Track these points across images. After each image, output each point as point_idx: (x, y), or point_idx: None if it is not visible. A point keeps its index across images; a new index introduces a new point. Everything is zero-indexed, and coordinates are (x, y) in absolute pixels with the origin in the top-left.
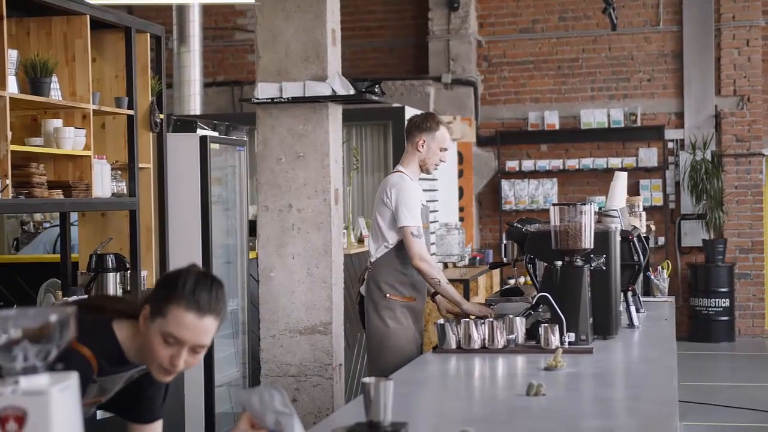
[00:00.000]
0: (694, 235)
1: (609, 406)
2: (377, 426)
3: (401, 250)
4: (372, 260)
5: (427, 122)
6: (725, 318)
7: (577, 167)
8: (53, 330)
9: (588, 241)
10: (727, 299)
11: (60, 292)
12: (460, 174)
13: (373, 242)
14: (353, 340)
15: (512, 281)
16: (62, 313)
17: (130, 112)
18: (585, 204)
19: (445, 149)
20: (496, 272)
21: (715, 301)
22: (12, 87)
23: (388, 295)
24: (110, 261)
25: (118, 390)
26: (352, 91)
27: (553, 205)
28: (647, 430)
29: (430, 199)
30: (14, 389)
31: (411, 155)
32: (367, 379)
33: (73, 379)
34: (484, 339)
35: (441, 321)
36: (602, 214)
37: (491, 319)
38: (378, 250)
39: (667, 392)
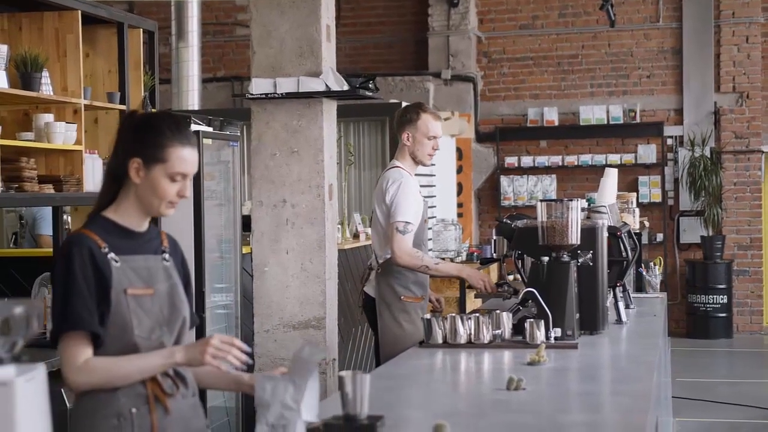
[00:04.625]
0: (692, 231)
1: (586, 400)
2: (353, 419)
3: None
4: (380, 261)
5: (406, 114)
6: (723, 314)
7: (576, 164)
8: (18, 322)
9: (575, 237)
10: (725, 296)
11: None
12: (459, 170)
13: (378, 242)
14: (347, 336)
15: (511, 277)
16: (27, 307)
17: (123, 107)
18: (572, 200)
19: (433, 137)
20: (495, 268)
21: (713, 298)
22: (2, 82)
23: (402, 297)
24: None
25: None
26: (345, 87)
27: (540, 200)
28: (620, 424)
29: (428, 195)
30: None
31: (402, 150)
32: (343, 373)
33: (38, 370)
34: (470, 334)
35: (428, 316)
36: (591, 210)
37: (478, 315)
38: (386, 250)
39: (645, 387)
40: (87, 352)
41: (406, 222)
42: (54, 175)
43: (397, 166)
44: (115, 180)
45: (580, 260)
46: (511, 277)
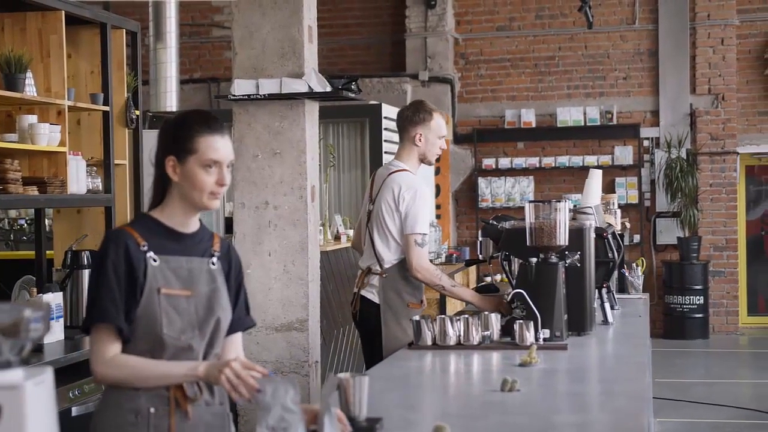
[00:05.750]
0: (669, 232)
1: (582, 401)
2: (353, 421)
3: None
4: (385, 266)
5: (419, 114)
6: (699, 315)
7: (553, 165)
8: (27, 325)
9: (563, 238)
10: (702, 296)
11: (34, 289)
12: (437, 171)
13: (384, 247)
14: (329, 337)
15: (488, 278)
16: (36, 308)
17: (106, 108)
18: (560, 201)
19: (443, 136)
20: (473, 270)
21: (690, 299)
22: None
23: (410, 304)
24: (85, 257)
25: (205, 288)
26: (328, 88)
27: (529, 202)
28: (619, 425)
29: None
30: None
31: (409, 150)
32: (342, 375)
33: (47, 373)
34: (460, 335)
35: (417, 317)
36: (577, 212)
37: (467, 316)
38: (391, 255)
39: (639, 387)
40: (116, 346)
41: (424, 234)
42: (38, 176)
43: (406, 170)
44: (160, 183)
45: (567, 261)
46: (488, 279)
